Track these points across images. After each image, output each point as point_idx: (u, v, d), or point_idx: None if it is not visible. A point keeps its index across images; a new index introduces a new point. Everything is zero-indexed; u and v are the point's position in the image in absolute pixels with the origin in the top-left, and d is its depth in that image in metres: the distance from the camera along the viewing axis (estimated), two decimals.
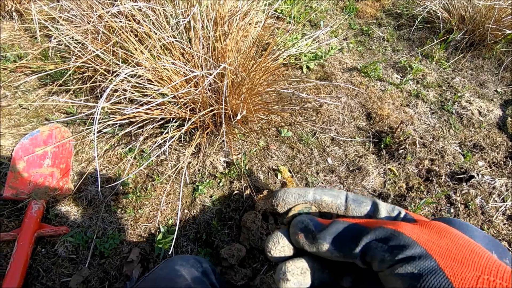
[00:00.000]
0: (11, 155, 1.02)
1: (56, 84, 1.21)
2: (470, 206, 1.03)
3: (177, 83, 0.94)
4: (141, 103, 0.93)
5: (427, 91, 1.45)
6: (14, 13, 1.55)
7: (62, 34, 1.08)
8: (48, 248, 0.87)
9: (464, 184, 1.08)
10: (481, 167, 1.16)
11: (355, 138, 1.22)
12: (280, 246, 0.26)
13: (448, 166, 1.15)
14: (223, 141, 1.12)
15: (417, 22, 1.75)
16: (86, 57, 1.01)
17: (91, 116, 1.14)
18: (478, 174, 1.09)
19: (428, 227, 0.22)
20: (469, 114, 1.35)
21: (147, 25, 0.99)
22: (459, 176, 1.11)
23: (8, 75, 1.29)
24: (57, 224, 0.91)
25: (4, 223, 0.89)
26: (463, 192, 1.06)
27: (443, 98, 1.43)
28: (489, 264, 0.18)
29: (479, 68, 1.60)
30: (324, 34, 1.67)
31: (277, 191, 0.30)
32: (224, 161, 1.10)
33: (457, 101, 1.41)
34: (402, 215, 0.26)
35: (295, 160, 1.14)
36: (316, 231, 0.24)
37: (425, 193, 1.07)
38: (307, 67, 1.46)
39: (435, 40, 1.65)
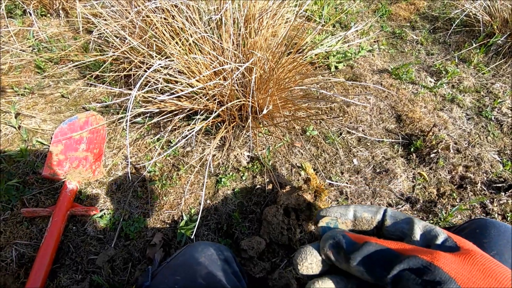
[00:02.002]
0: (51, 138, 1.10)
1: (93, 76, 1.29)
2: (508, 218, 0.96)
3: (206, 75, 0.96)
4: (171, 92, 0.97)
5: (463, 95, 1.38)
6: (60, 11, 1.68)
7: (102, 27, 1.15)
8: (79, 227, 0.92)
9: (503, 193, 1.01)
10: None
11: (383, 140, 1.18)
12: (307, 263, 0.25)
13: (484, 174, 1.08)
14: (248, 136, 1.12)
15: (454, 25, 1.67)
16: (123, 48, 1.07)
17: (123, 106, 1.20)
18: None
19: (470, 260, 0.21)
20: (510, 122, 1.26)
21: (181, 20, 1.03)
22: (497, 185, 1.03)
23: (52, 66, 1.39)
24: (88, 204, 0.96)
25: (42, 200, 0.95)
26: (501, 202, 0.99)
27: (481, 103, 1.35)
28: None
29: None
30: (353, 34, 1.64)
31: (320, 210, 0.30)
32: (248, 156, 1.10)
33: (497, 107, 1.32)
34: (440, 239, 0.24)
35: (320, 159, 1.12)
36: (348, 251, 0.23)
37: (457, 200, 1.01)
38: (336, 67, 1.44)
39: (474, 44, 1.57)
